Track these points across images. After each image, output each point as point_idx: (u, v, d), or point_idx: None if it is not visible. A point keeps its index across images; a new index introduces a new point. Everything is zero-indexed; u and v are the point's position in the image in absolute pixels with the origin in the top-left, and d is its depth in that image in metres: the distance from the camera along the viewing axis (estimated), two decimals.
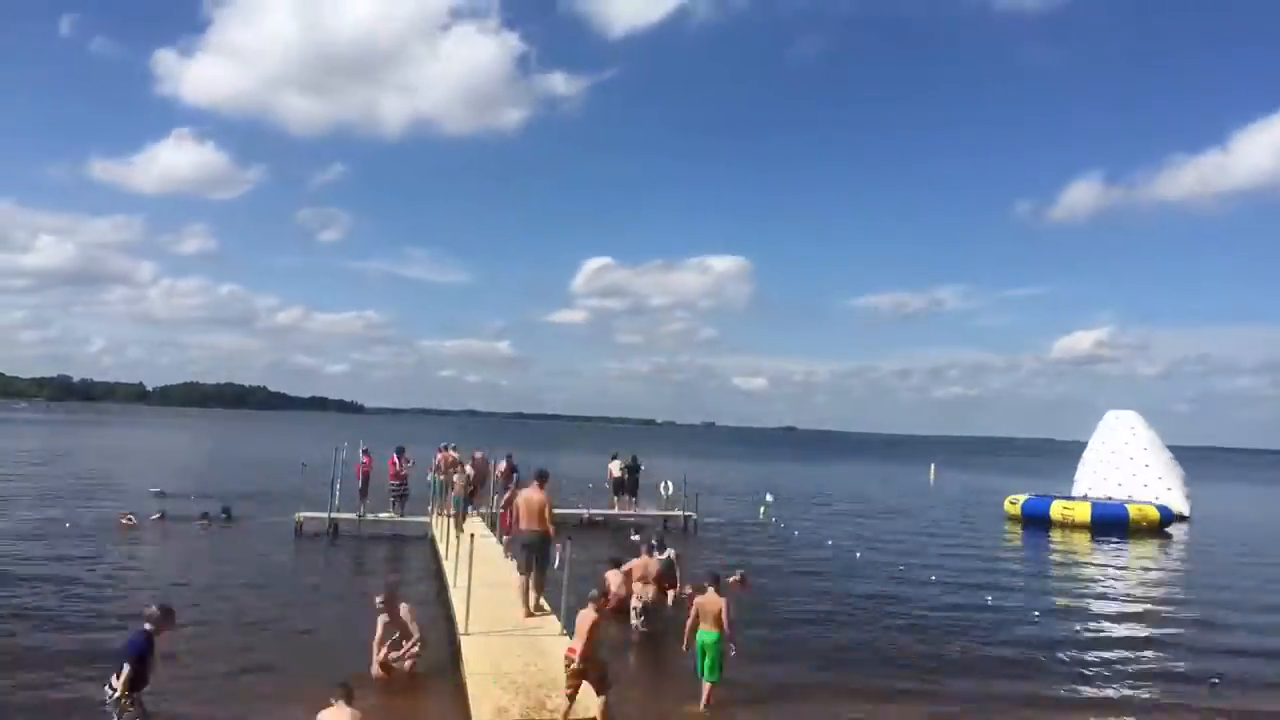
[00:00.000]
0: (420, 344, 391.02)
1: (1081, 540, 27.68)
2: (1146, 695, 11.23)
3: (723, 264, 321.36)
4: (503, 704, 8.31)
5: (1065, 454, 67.55)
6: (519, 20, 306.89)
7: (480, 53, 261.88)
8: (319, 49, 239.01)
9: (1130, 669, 12.37)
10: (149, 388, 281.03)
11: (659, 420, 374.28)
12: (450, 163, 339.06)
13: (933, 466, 69.22)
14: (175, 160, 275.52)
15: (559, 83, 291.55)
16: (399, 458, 22.67)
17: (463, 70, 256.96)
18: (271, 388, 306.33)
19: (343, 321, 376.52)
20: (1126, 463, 35.01)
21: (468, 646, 10.08)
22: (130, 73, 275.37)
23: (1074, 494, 34.94)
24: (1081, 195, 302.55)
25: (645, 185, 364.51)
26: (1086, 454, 37.38)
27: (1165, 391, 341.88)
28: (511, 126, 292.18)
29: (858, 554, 21.71)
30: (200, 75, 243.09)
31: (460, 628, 10.71)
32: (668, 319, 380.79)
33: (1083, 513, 30.26)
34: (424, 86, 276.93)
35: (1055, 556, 24.57)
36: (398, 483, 22.45)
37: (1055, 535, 28.73)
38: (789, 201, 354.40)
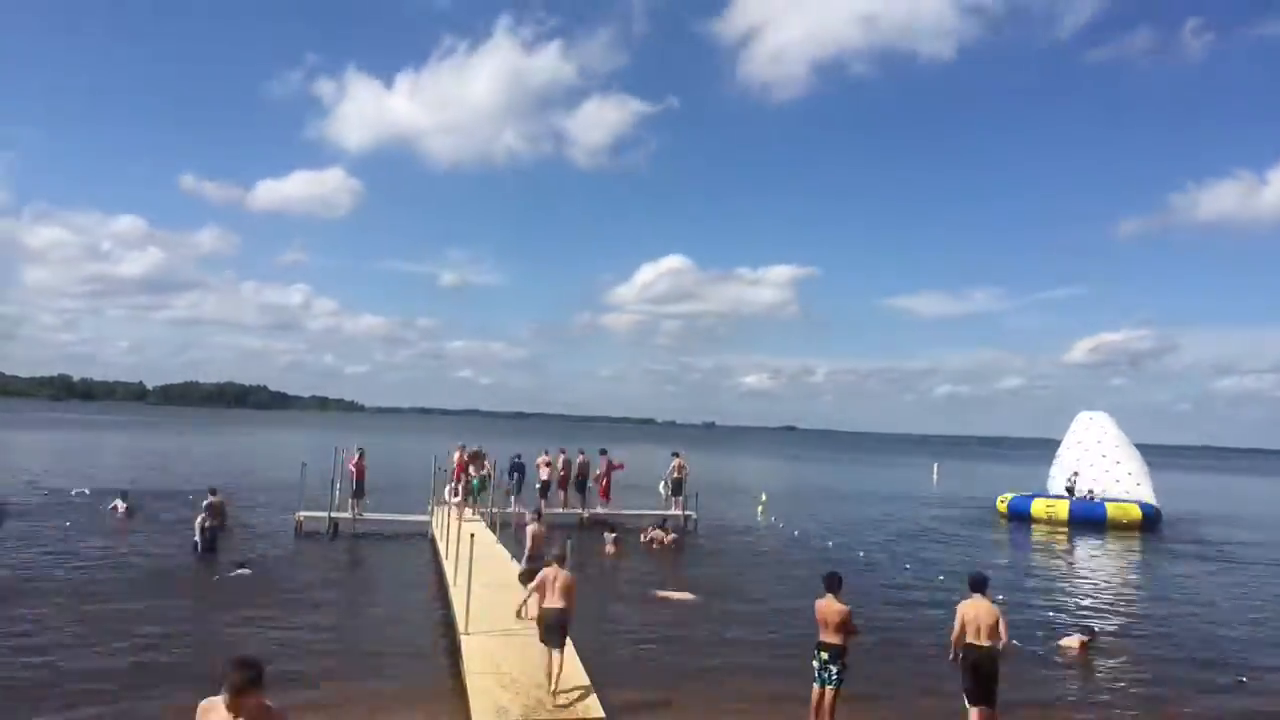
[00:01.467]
0: (442, 345, 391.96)
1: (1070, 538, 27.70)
2: (1168, 689, 11.25)
3: (784, 273, 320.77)
4: (503, 703, 8.28)
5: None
6: (653, 90, 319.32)
7: (613, 114, 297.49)
8: (482, 100, 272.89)
9: (1145, 661, 12.36)
10: (149, 387, 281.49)
11: (659, 420, 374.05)
12: (566, 188, 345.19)
13: (935, 466, 69.21)
14: (317, 185, 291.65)
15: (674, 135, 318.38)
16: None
17: (594, 123, 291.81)
18: (273, 387, 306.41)
19: (385, 324, 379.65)
20: (1099, 460, 35.90)
21: (468, 646, 10.06)
22: (319, 101, 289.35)
23: (1049, 491, 35.91)
24: (1128, 207, 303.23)
25: (720, 194, 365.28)
26: (1061, 452, 38.27)
27: (1178, 392, 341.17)
28: (627, 163, 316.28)
29: (861, 553, 21.71)
30: (383, 109, 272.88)
31: (460, 627, 10.69)
32: (706, 323, 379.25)
33: (1002, 505, 33.98)
34: (556, 133, 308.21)
35: (1048, 554, 24.53)
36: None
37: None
38: (852, 210, 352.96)
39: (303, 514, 21.30)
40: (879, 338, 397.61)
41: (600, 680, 9.22)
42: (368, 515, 21.93)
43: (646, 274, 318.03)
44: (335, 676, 10.23)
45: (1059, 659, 12.64)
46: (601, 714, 8.32)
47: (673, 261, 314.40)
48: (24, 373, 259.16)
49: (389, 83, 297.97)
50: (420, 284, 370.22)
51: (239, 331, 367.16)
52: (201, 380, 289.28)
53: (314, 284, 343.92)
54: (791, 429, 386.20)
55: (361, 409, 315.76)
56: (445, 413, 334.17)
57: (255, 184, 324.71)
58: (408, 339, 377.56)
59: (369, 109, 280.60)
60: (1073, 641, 13.11)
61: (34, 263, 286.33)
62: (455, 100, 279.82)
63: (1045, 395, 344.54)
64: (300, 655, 11.03)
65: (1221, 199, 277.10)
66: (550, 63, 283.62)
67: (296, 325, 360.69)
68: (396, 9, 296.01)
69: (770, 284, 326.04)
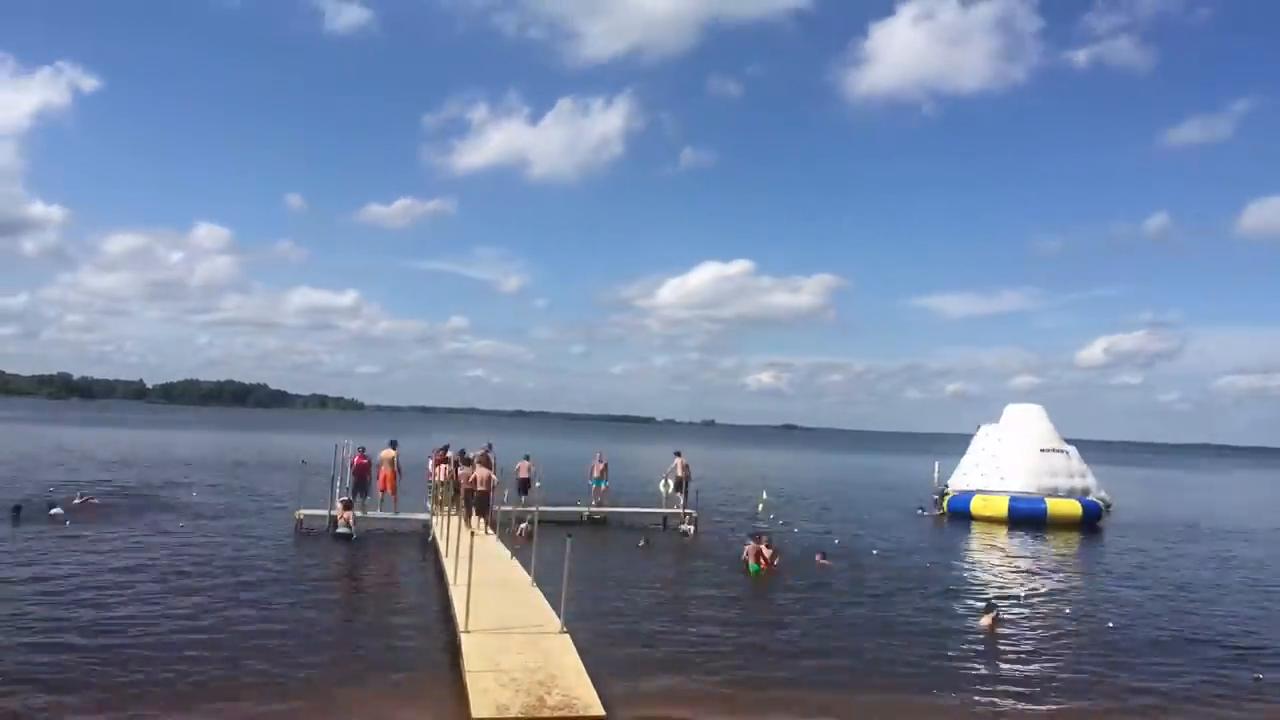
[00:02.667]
0: (468, 345, 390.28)
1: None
2: (1187, 689, 11.24)
3: (824, 280, 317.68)
4: (502, 701, 8.27)
5: None
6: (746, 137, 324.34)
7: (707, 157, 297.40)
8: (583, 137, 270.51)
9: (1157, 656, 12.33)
10: (149, 385, 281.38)
11: (659, 418, 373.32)
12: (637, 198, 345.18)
13: (936, 464, 69.13)
14: (416, 209, 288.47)
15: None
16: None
17: (687, 168, 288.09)
18: (272, 385, 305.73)
19: (419, 326, 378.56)
20: (992, 456, 35.69)
21: (468, 644, 10.04)
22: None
23: (951, 485, 36.30)
24: (1175, 207, 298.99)
25: (784, 204, 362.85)
26: (971, 446, 38.19)
27: (1183, 391, 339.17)
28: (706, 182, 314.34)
29: (874, 551, 21.79)
30: (510, 138, 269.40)
31: (460, 625, 10.67)
32: (736, 325, 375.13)
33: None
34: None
35: (1052, 554, 24.50)
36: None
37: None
38: (890, 213, 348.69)
39: (303, 512, 21.26)
40: (901, 338, 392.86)
41: (601, 678, 9.22)
42: (368, 514, 21.88)
43: (696, 278, 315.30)
44: (335, 674, 10.21)
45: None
46: (601, 712, 8.30)
47: (738, 265, 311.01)
48: (27, 371, 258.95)
49: (532, 121, 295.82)
50: (469, 288, 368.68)
51: (266, 333, 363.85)
52: (201, 379, 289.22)
53: (369, 290, 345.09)
54: (793, 427, 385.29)
55: (361, 407, 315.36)
56: (448, 411, 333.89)
57: (361, 207, 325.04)
58: (438, 339, 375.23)
59: (492, 142, 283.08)
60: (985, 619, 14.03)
61: (106, 269, 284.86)
62: (566, 136, 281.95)
63: (1055, 394, 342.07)
64: (300, 653, 11.00)
65: (1270, 208, 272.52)
66: (659, 121, 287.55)
67: (331, 327, 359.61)
68: (560, 65, 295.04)
69: (809, 291, 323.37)
